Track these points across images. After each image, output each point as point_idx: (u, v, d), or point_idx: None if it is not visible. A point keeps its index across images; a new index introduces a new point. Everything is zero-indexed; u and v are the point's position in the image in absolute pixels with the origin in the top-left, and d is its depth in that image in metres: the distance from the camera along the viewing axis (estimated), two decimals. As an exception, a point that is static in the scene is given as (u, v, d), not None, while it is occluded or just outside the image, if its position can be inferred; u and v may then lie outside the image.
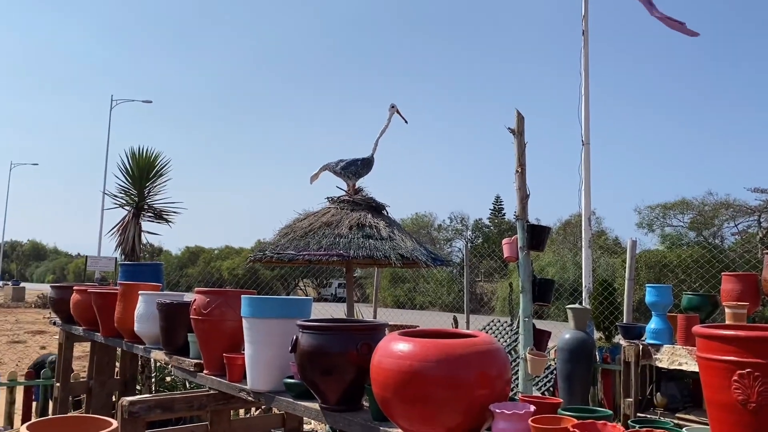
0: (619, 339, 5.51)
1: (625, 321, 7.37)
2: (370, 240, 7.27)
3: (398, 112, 7.85)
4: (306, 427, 4.97)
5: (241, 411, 6.18)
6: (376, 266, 9.89)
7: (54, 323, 6.92)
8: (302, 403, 3.31)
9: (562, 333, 5.61)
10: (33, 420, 5.02)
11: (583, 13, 8.62)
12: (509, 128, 4.59)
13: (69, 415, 4.46)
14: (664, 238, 30.71)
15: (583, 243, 8.08)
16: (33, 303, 31.26)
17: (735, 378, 2.05)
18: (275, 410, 4.52)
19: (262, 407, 4.48)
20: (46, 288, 31.74)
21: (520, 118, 4.63)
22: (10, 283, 45.65)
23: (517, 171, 4.59)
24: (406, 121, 7.90)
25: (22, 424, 4.31)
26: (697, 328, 2.21)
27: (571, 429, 2.21)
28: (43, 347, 15.30)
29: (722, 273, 5.09)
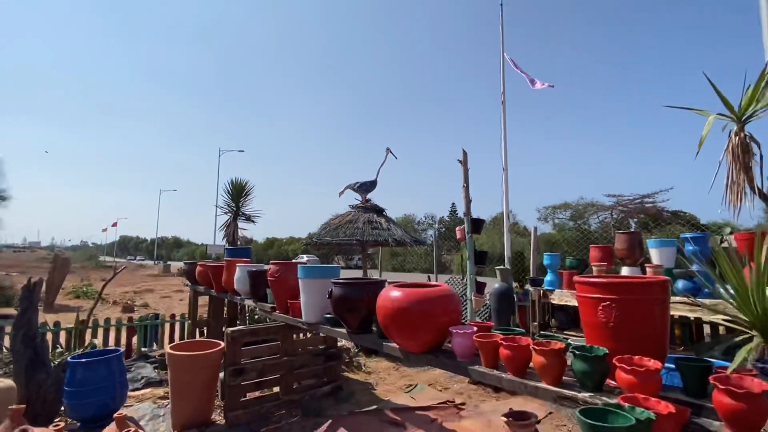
0: (528, 287, 5.46)
1: (532, 276, 7.29)
2: (376, 230, 7.22)
3: (391, 152, 7.83)
4: (339, 344, 4.90)
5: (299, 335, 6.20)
6: (380, 246, 9.84)
7: (186, 285, 6.86)
8: (336, 329, 3.26)
9: (493, 285, 5.58)
10: (175, 342, 4.99)
11: (502, 90, 8.52)
12: (458, 159, 4.56)
13: (196, 339, 4.43)
14: (554, 225, 30.70)
15: (504, 230, 8.00)
16: (175, 274, 31.19)
17: (600, 308, 2.00)
18: (321, 334, 4.46)
19: (312, 332, 4.41)
20: (182, 265, 31.86)
21: (465, 154, 4.58)
22: (161, 262, 45.51)
23: (463, 186, 4.54)
24: (396, 158, 7.88)
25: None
26: (577, 278, 2.16)
27: (499, 341, 2.15)
28: (181, 299, 15.23)
29: (590, 245, 5.02)
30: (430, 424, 3.59)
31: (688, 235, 4.14)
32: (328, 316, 3.36)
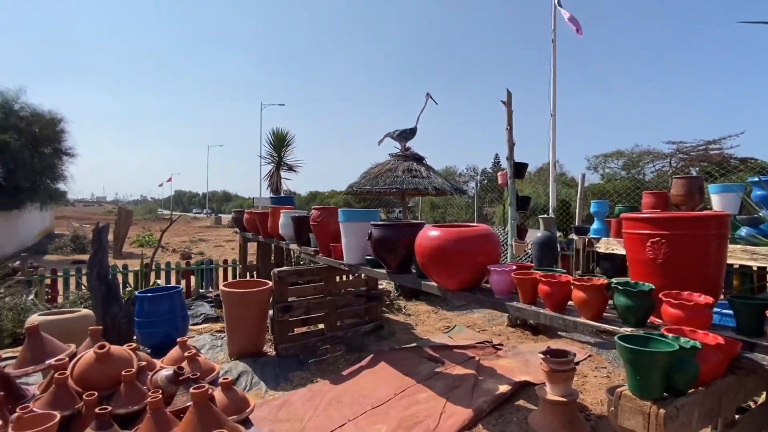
0: (572, 236, 5.27)
1: (576, 224, 7.06)
2: (416, 179, 7.14)
3: (431, 97, 7.57)
4: (380, 286, 5.03)
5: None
6: (420, 195, 9.76)
7: (236, 232, 7.21)
8: (376, 269, 3.33)
9: (536, 233, 5.47)
10: (228, 281, 5.31)
11: (552, 26, 7.90)
12: (502, 101, 4.34)
13: (247, 279, 4.68)
14: (603, 176, 29.04)
15: (550, 178, 7.66)
16: (225, 225, 32.73)
17: (648, 244, 1.91)
18: (362, 276, 4.59)
19: (353, 274, 4.54)
20: (231, 216, 33.36)
21: (509, 94, 4.34)
22: (212, 215, 47.78)
23: (507, 128, 4.34)
24: (436, 103, 7.61)
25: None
26: (625, 214, 2.07)
27: (538, 277, 2.13)
28: (232, 248, 16.04)
29: (643, 192, 4.73)
30: (467, 362, 3.69)
31: (756, 178, 3.80)
32: (369, 257, 3.43)
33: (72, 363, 1.92)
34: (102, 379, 1.82)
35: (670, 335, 1.39)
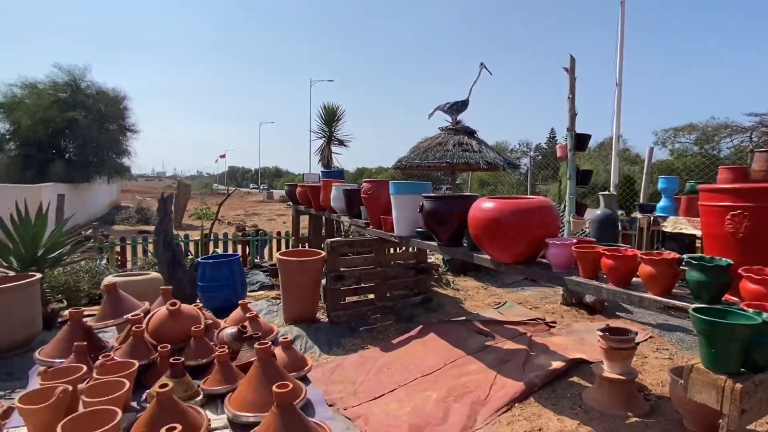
0: (636, 214, 4.97)
1: (641, 202, 6.67)
2: (467, 152, 6.98)
3: (485, 67, 7.28)
4: (429, 260, 5.04)
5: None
6: (470, 170, 9.54)
7: (288, 205, 7.44)
8: (427, 242, 3.34)
9: (595, 212, 5.23)
10: (282, 250, 5.51)
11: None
12: (564, 67, 4.10)
13: (301, 249, 4.85)
14: (673, 152, 26.86)
15: (612, 153, 7.21)
16: (277, 200, 33.87)
17: (728, 217, 1.78)
18: (412, 249, 4.62)
19: (403, 247, 4.57)
20: (283, 192, 34.55)
21: (573, 60, 4.08)
22: (266, 190, 49.49)
23: (569, 97, 4.10)
24: (491, 73, 7.32)
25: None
26: (702, 186, 1.93)
27: (602, 251, 2.04)
28: (284, 222, 16.59)
29: (719, 166, 4.34)
30: (518, 337, 3.65)
31: None
32: (419, 230, 3.44)
33: (147, 318, 2.09)
34: (173, 334, 1.98)
35: (751, 310, 1.31)
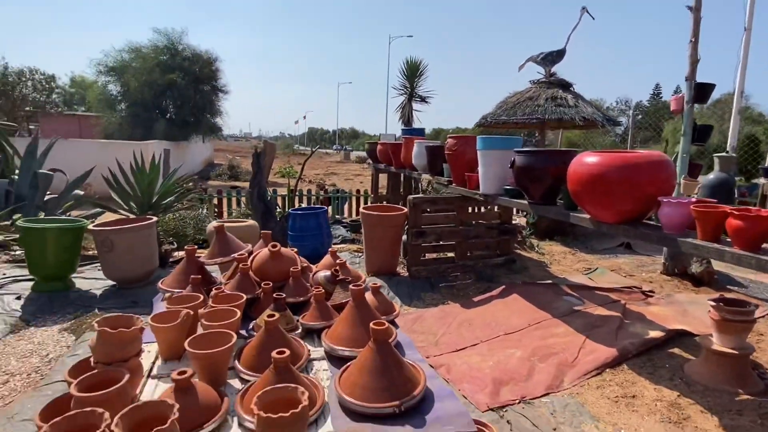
0: (759, 180, 4.33)
1: (767, 166, 5.83)
2: (561, 107, 6.42)
3: (587, 11, 6.56)
4: (513, 220, 4.87)
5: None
6: (562, 128, 8.88)
7: (368, 164, 7.56)
8: (515, 200, 3.21)
9: (708, 177, 4.65)
10: (366, 205, 5.62)
11: None
12: (688, 6, 3.54)
13: (383, 205, 4.93)
14: (810, 111, 22.75)
15: (733, 110, 6.28)
16: (354, 161, 34.55)
17: None
18: (496, 208, 4.48)
19: (487, 206, 4.43)
20: (360, 153, 35.16)
21: (698, -4, 3.53)
22: (343, 150, 50.69)
23: (691, 40, 3.56)
24: (593, 18, 6.58)
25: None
26: None
27: (729, 211, 1.82)
28: (361, 182, 16.95)
29: None
30: (611, 304, 3.45)
31: None
32: (507, 187, 3.30)
33: (251, 258, 2.27)
34: (274, 273, 2.13)
35: None
